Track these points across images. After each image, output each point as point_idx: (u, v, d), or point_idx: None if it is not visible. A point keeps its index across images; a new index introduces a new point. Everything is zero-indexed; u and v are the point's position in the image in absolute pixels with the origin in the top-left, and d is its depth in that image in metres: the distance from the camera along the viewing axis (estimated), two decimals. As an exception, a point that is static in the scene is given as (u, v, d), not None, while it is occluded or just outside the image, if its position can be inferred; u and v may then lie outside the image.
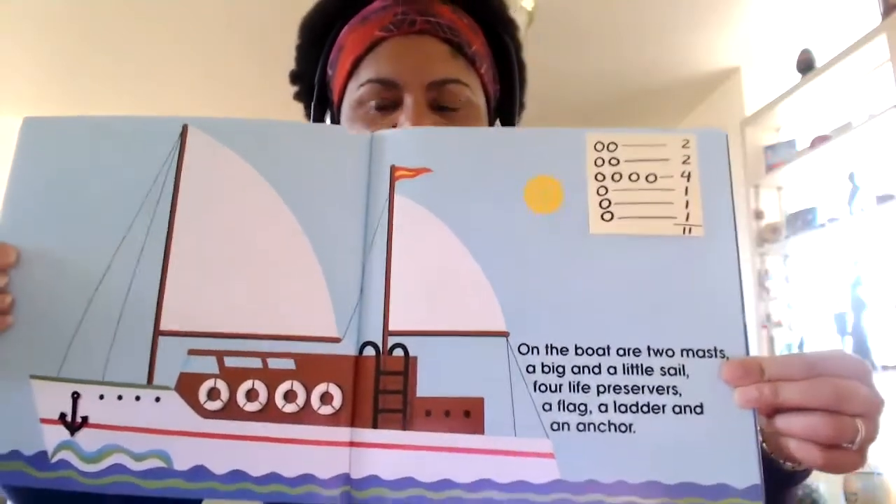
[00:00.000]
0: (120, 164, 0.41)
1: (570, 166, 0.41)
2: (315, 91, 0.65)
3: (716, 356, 0.38)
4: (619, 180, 0.40)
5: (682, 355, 0.38)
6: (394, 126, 0.56)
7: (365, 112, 0.59)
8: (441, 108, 0.58)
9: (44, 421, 0.38)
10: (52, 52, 2.86)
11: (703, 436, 0.37)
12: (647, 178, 0.41)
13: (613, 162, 0.41)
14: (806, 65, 2.42)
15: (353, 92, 0.59)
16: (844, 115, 2.30)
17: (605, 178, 0.41)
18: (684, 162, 0.40)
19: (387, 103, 0.58)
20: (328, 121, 0.65)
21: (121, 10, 2.52)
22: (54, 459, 0.38)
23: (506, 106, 0.67)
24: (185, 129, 0.41)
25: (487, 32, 0.64)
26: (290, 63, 0.69)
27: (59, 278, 0.40)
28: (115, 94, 3.27)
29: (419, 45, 0.58)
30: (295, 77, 0.68)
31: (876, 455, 1.97)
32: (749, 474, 0.36)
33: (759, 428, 0.37)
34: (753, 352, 0.39)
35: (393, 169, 0.41)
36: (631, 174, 0.41)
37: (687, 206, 0.40)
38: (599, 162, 0.41)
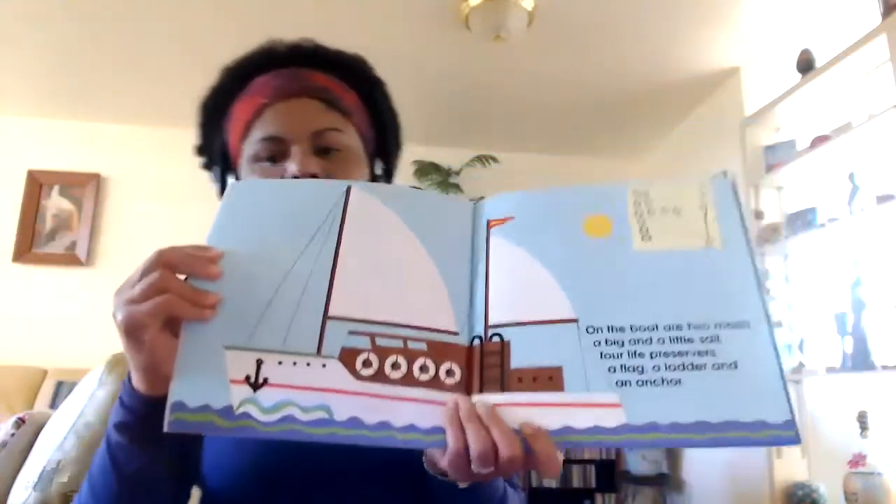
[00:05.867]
0: (299, 205, 0.56)
1: (616, 208, 0.56)
2: (220, 156, 0.80)
3: (742, 327, 0.49)
4: (653, 214, 0.55)
5: (714, 328, 0.49)
6: (283, 173, 0.71)
7: (259, 165, 0.73)
8: (322, 151, 0.72)
9: (233, 382, 0.48)
10: (51, 52, 2.87)
11: (740, 385, 0.47)
12: (674, 210, 0.55)
13: (648, 203, 0.56)
14: (806, 65, 2.44)
15: (248, 150, 0.74)
16: (844, 115, 2.33)
17: (642, 214, 0.55)
18: (701, 200, 0.55)
19: (276, 154, 0.72)
20: (231, 178, 0.80)
21: (120, 9, 2.53)
22: (238, 412, 0.47)
23: (382, 147, 0.84)
24: (348, 189, 0.57)
25: (360, 90, 0.80)
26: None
27: (252, 278, 0.52)
28: (114, 93, 3.28)
29: (298, 106, 0.74)
30: (199, 150, 0.83)
31: (876, 455, 1.98)
32: (782, 412, 0.46)
33: (785, 377, 0.47)
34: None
35: (489, 222, 0.57)
36: (662, 208, 0.55)
37: (707, 228, 0.53)
38: (638, 203, 0.56)
